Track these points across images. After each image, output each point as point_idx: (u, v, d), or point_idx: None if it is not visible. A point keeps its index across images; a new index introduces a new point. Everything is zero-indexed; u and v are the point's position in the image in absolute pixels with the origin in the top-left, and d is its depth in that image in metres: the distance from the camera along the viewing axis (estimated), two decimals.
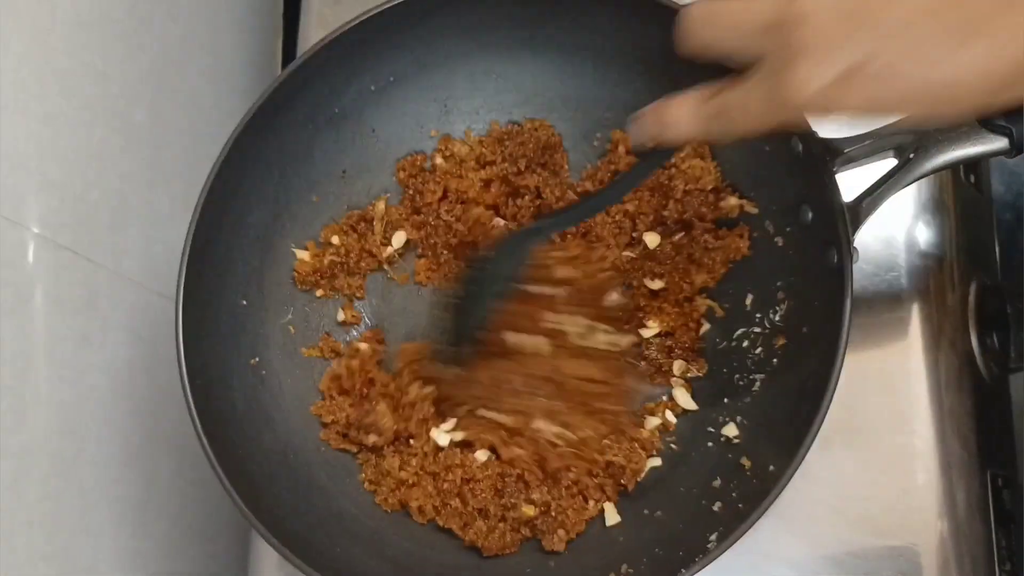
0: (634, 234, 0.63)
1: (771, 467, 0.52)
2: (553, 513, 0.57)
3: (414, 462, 0.59)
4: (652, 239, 0.62)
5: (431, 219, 0.65)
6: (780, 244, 0.59)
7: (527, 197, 0.64)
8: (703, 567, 0.50)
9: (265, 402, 0.60)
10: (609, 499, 0.59)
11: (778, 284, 0.59)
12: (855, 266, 0.51)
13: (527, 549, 0.58)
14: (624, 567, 0.54)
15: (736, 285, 0.61)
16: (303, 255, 0.64)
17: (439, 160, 0.66)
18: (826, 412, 0.50)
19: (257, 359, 0.61)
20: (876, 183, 0.52)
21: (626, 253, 0.63)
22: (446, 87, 0.65)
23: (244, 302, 0.61)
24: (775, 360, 0.58)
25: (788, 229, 0.58)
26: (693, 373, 0.61)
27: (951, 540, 0.58)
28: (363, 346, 0.63)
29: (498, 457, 0.60)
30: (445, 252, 0.65)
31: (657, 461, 0.59)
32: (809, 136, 0.53)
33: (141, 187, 0.71)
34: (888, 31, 0.37)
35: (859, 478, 0.59)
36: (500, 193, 0.65)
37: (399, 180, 0.66)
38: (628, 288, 0.62)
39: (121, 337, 0.68)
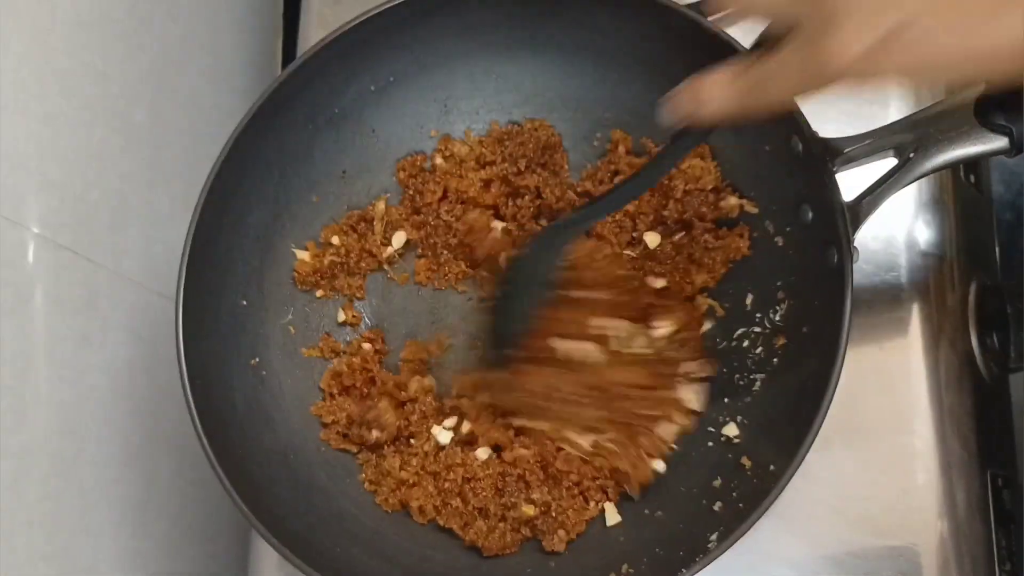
0: (634, 234, 0.63)
1: (771, 467, 0.52)
2: (553, 513, 0.57)
3: (414, 462, 0.59)
4: (652, 239, 0.62)
5: (431, 219, 0.65)
6: (780, 244, 0.59)
7: (527, 197, 0.64)
8: (703, 567, 0.50)
9: (265, 402, 0.60)
10: (609, 499, 0.59)
11: (778, 284, 0.59)
12: (855, 266, 0.51)
13: (527, 549, 0.58)
14: (624, 567, 0.54)
15: (736, 285, 0.61)
16: (303, 255, 0.64)
17: (439, 160, 0.65)
18: (826, 412, 0.50)
19: (257, 359, 0.61)
20: (876, 183, 0.52)
21: (626, 253, 0.63)
22: (446, 87, 0.65)
23: (244, 302, 0.61)
24: (775, 360, 0.58)
25: (788, 229, 0.58)
26: (703, 373, 0.60)
27: (951, 540, 0.58)
28: (365, 345, 0.63)
29: (500, 456, 0.60)
30: (445, 252, 0.65)
31: (659, 463, 0.59)
32: (809, 136, 0.53)
33: (141, 187, 0.71)
34: None
35: (859, 478, 0.59)
36: (500, 193, 0.65)
37: (399, 180, 0.66)
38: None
39: (121, 337, 0.68)
